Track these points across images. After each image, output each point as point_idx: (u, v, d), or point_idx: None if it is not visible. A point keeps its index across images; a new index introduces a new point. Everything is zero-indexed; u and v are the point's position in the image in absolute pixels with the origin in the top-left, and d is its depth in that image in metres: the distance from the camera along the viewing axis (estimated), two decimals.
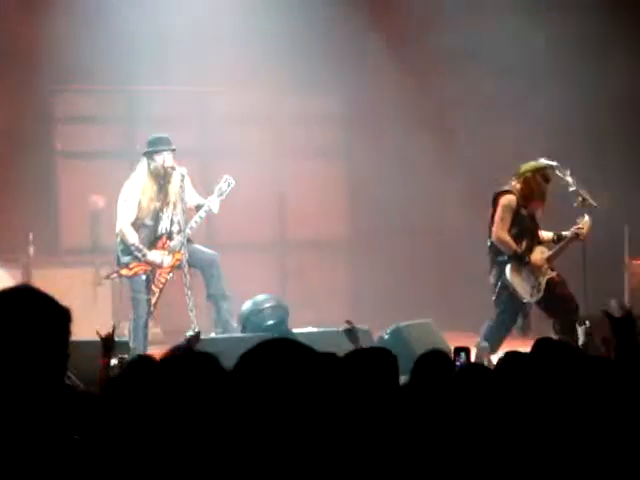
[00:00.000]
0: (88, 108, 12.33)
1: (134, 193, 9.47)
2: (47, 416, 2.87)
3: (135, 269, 9.49)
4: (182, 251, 9.44)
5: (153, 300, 9.50)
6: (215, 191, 9.53)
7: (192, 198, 9.61)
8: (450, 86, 12.27)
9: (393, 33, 12.68)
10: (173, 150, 9.48)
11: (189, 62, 12.03)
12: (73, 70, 11.95)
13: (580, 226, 9.18)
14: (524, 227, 9.19)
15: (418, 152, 12.40)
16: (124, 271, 9.51)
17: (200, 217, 9.55)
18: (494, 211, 9.17)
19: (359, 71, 12.68)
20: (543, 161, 9.22)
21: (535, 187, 9.17)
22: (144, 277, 9.47)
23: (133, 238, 9.42)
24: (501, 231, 9.12)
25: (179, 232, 9.48)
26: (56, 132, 12.35)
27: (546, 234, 9.39)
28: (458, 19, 12.02)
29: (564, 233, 9.27)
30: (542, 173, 9.20)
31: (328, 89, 12.96)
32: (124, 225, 9.44)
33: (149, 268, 9.46)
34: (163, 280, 9.51)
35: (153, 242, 9.50)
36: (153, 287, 9.50)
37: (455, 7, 12.10)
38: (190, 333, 8.38)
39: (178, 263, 9.48)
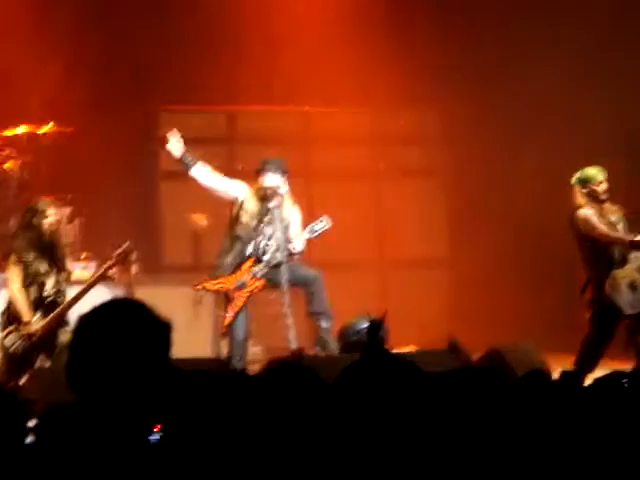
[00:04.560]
0: (192, 128, 12.45)
1: (236, 210, 9.57)
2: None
3: (217, 286, 9.55)
4: (263, 278, 9.48)
5: (227, 321, 9.52)
6: (307, 228, 9.59)
7: (296, 226, 9.66)
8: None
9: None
10: (279, 172, 9.53)
11: (292, 81, 12.11)
12: (179, 90, 12.11)
13: None
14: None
15: (522, 167, 12.31)
16: (208, 285, 9.59)
17: (286, 251, 9.57)
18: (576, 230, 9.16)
19: (457, 86, 12.64)
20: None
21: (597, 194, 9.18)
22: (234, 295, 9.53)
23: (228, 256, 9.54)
24: (602, 231, 9.09)
25: (276, 251, 9.52)
26: (159, 152, 12.48)
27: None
28: None
29: None
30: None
31: (426, 106, 12.93)
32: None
33: (231, 287, 9.50)
34: (240, 303, 9.52)
35: (241, 263, 9.55)
36: (229, 308, 9.52)
37: None
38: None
39: (257, 289, 9.52)
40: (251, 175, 9.59)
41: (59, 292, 8.98)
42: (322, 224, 9.66)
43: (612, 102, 12.03)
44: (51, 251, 8.98)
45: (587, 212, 9.15)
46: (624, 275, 9.11)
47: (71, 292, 8.96)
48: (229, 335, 9.52)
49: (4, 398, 3.45)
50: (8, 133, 11.74)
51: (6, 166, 11.48)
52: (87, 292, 8.83)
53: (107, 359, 2.93)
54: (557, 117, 12.19)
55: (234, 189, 9.57)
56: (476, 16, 12.68)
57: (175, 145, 9.38)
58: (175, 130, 9.34)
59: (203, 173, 9.49)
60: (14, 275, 8.95)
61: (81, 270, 9.41)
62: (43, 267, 8.94)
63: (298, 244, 9.59)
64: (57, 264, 9.01)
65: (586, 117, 12.04)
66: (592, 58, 12.19)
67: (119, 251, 9.13)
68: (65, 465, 2.82)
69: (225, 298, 9.55)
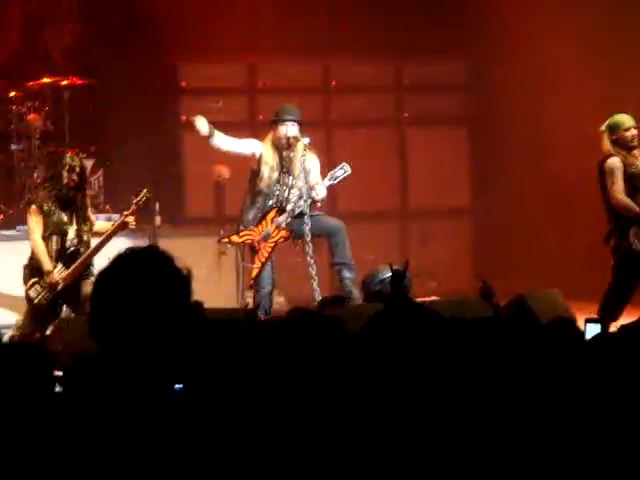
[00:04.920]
0: (213, 78, 12.46)
1: (257, 164, 9.60)
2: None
3: (244, 237, 9.58)
4: (287, 228, 9.51)
5: (254, 272, 9.55)
6: (327, 175, 9.60)
7: (315, 173, 9.67)
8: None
9: None
10: (297, 121, 9.54)
11: (311, 31, 12.07)
12: (199, 40, 12.09)
13: None
14: (634, 185, 9.14)
15: (547, 117, 12.25)
16: (234, 237, 9.63)
17: (309, 199, 9.59)
18: (602, 179, 9.15)
19: (484, 36, 12.56)
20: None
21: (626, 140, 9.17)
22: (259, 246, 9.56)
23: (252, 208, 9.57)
24: (618, 194, 9.07)
25: (298, 200, 9.54)
26: (181, 103, 12.49)
27: None
28: None
29: None
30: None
31: (451, 55, 12.87)
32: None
33: (256, 238, 9.52)
34: (266, 254, 9.55)
35: (264, 214, 9.57)
36: (256, 259, 9.55)
37: None
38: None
39: (281, 240, 9.54)
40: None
41: (81, 242, 9.00)
42: (342, 171, 9.66)
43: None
44: (74, 202, 9.00)
45: (615, 163, 9.13)
46: None
47: (94, 243, 9.00)
48: (255, 286, 9.56)
49: (30, 349, 3.48)
50: (31, 84, 11.76)
51: (29, 118, 11.51)
52: (107, 242, 8.86)
53: (127, 309, 2.93)
54: (585, 64, 12.06)
55: (251, 147, 9.61)
56: None
57: (203, 124, 9.47)
58: (200, 116, 9.46)
59: (221, 141, 9.54)
60: (35, 224, 8.98)
61: (104, 221, 9.42)
62: (65, 217, 8.97)
63: (321, 191, 9.60)
64: (79, 215, 9.03)
65: (615, 66, 11.93)
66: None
67: (137, 199, 9.16)
68: (91, 414, 2.84)
69: (251, 250, 9.59)
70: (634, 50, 11.87)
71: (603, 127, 9.24)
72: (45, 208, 8.92)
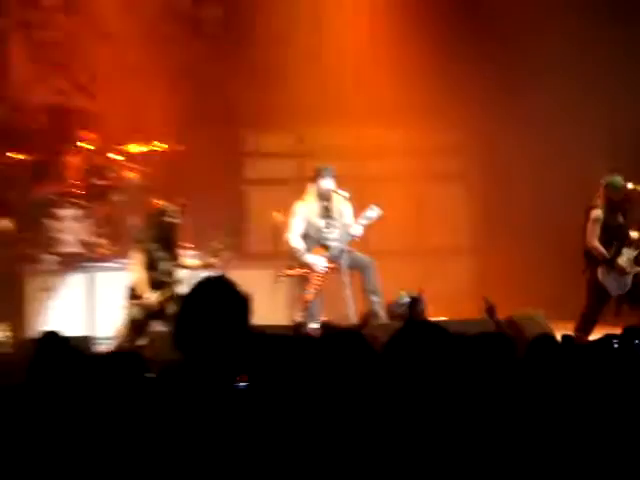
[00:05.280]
0: (269, 145, 12.48)
1: (302, 211, 9.55)
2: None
3: (298, 271, 9.53)
4: (335, 260, 9.45)
5: (310, 297, 9.50)
6: (361, 217, 9.53)
7: (349, 218, 9.62)
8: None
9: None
10: (333, 177, 9.53)
11: (344, 105, 12.05)
12: (259, 115, 12.12)
13: None
14: (610, 234, 8.99)
15: (541, 172, 12.10)
16: (289, 272, 9.58)
17: (348, 236, 9.54)
18: (585, 223, 9.03)
19: (483, 102, 12.44)
20: (628, 183, 9.04)
21: (619, 201, 9.00)
22: (306, 278, 9.52)
23: (298, 246, 9.50)
24: (592, 240, 8.96)
25: (337, 242, 9.50)
26: (246, 163, 12.51)
27: (634, 234, 9.10)
28: None
29: None
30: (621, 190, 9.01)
31: (456, 120, 12.76)
32: (292, 236, 9.53)
33: (309, 271, 9.49)
34: (319, 282, 9.51)
35: (314, 249, 9.54)
36: (309, 287, 9.51)
37: None
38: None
39: (332, 269, 9.49)
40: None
41: (171, 274, 9.03)
42: (373, 211, 9.57)
43: (628, 107, 11.68)
44: (168, 242, 9.04)
45: (598, 215, 9.02)
46: (614, 265, 9.02)
47: (180, 274, 9.02)
48: (308, 307, 9.49)
49: (132, 355, 3.50)
50: (131, 150, 11.81)
51: (130, 175, 11.55)
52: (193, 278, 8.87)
53: (203, 326, 2.94)
54: (573, 124, 11.84)
55: (303, 215, 9.54)
56: (503, 41, 12.27)
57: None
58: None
59: (298, 239, 9.54)
60: (137, 259, 9.02)
61: (189, 258, 9.42)
62: (161, 253, 9.00)
63: (357, 230, 9.54)
64: (172, 251, 9.06)
65: (602, 122, 11.74)
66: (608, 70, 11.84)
67: (220, 248, 9.18)
68: (178, 406, 2.85)
69: (303, 279, 9.53)
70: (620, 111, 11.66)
71: (603, 182, 9.08)
72: (147, 247, 8.97)
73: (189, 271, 8.98)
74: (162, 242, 8.99)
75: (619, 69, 11.77)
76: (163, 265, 9.01)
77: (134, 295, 9.00)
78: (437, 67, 11.94)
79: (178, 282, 8.93)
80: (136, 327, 8.96)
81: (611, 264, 8.98)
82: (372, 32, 12.41)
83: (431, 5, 12.36)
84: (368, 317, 8.85)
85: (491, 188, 12.70)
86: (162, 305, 8.90)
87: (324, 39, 12.34)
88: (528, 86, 12.03)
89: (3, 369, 6.42)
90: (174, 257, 9.06)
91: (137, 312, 8.96)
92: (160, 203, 9.43)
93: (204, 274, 8.92)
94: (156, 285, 8.97)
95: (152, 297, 8.91)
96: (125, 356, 3.54)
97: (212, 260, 9.08)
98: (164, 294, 8.89)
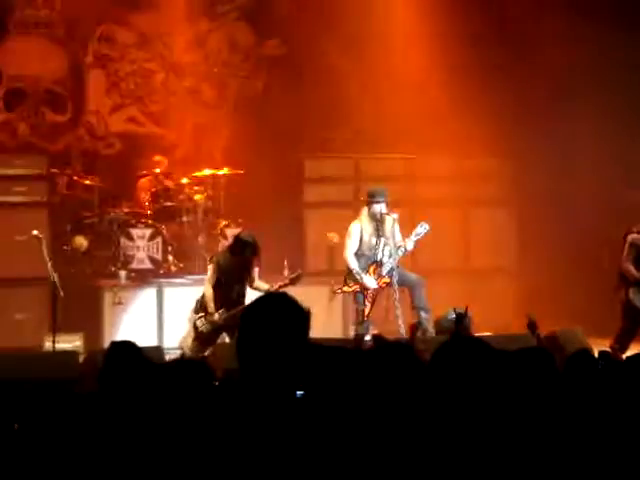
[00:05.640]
0: (328, 170, 12.51)
1: (357, 231, 9.56)
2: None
3: (354, 287, 9.54)
4: (387, 276, 9.44)
5: (366, 311, 9.51)
6: (412, 233, 9.53)
7: (399, 237, 9.62)
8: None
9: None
10: (385, 201, 9.55)
11: (397, 136, 12.06)
12: (318, 143, 12.18)
13: None
14: None
15: (578, 196, 11.98)
16: (346, 288, 9.59)
17: (400, 253, 9.53)
18: (623, 245, 8.99)
19: (521, 133, 12.37)
20: None
21: None
22: (360, 293, 9.52)
23: (354, 264, 9.50)
24: (625, 263, 8.91)
25: (389, 259, 9.50)
26: (305, 189, 12.56)
27: None
28: None
29: None
30: None
31: (498, 150, 12.71)
32: (348, 255, 9.54)
33: (364, 287, 9.50)
34: (372, 297, 9.51)
35: (367, 268, 9.54)
36: (366, 301, 9.51)
37: None
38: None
39: (384, 285, 9.48)
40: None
41: (240, 295, 9.05)
42: (423, 228, 9.56)
43: None
44: (244, 267, 9.05)
45: (634, 239, 8.96)
46: None
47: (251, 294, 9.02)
48: (366, 320, 9.47)
49: (199, 364, 3.53)
50: (198, 174, 11.90)
51: (196, 198, 11.64)
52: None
53: (265, 338, 2.97)
54: (604, 149, 11.73)
55: (357, 234, 9.51)
56: (536, 70, 12.22)
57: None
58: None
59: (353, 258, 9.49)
60: (209, 276, 9.08)
61: (262, 282, 9.38)
62: (236, 277, 9.03)
63: (410, 244, 9.53)
64: (245, 275, 9.08)
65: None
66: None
67: (292, 276, 9.22)
68: (242, 413, 2.87)
69: (361, 294, 9.52)
70: None
71: None
72: (221, 262, 9.02)
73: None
74: (237, 267, 9.02)
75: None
76: (234, 284, 9.04)
77: (202, 307, 9.07)
78: (477, 97, 11.93)
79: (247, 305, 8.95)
80: (201, 338, 9.02)
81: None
82: (422, 67, 12.42)
83: (466, 36, 12.35)
84: (415, 330, 8.83)
85: (530, 213, 12.60)
86: (227, 322, 8.93)
87: (380, 73, 12.39)
88: (559, 112, 11.97)
89: (75, 377, 6.50)
90: (247, 279, 9.08)
91: (203, 324, 9.03)
92: (245, 234, 9.39)
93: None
94: (226, 303, 9.01)
95: (216, 315, 8.96)
96: (192, 364, 3.57)
97: (283, 285, 9.06)
98: (233, 314, 8.87)
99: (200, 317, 9.02)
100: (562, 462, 3.14)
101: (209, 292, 9.01)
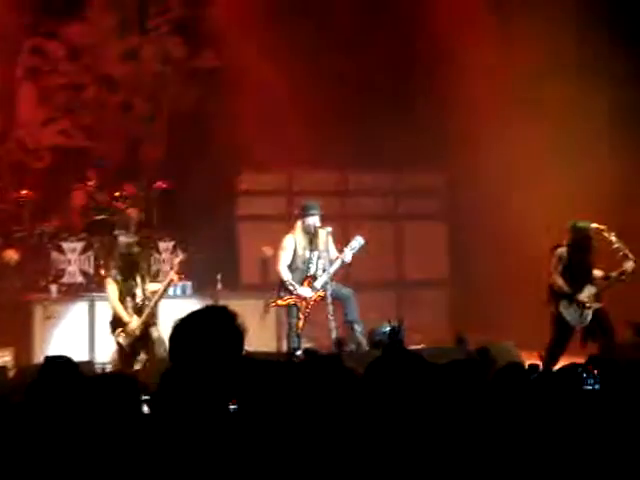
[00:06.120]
0: (261, 184, 12.51)
1: (290, 244, 9.54)
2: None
3: (287, 300, 9.50)
4: (322, 290, 9.45)
5: (300, 324, 9.49)
6: (348, 246, 9.54)
7: (333, 251, 9.62)
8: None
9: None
10: (319, 214, 9.55)
11: (330, 151, 12.09)
12: (251, 157, 12.15)
13: (623, 269, 8.98)
14: (574, 271, 9.04)
15: (507, 212, 12.11)
16: (280, 302, 9.56)
17: (337, 265, 9.54)
18: (550, 260, 9.10)
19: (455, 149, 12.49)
20: (592, 224, 9.07)
21: (582, 241, 9.03)
22: (294, 307, 9.50)
23: (287, 277, 9.47)
24: (554, 275, 9.03)
25: (323, 273, 9.49)
26: (238, 202, 12.54)
27: (598, 272, 9.15)
28: None
29: (612, 274, 9.05)
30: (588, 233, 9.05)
31: (432, 166, 12.79)
32: (281, 267, 9.51)
33: (298, 300, 9.48)
34: (307, 310, 9.49)
35: (302, 281, 9.51)
36: (300, 314, 9.49)
37: None
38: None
39: (319, 298, 9.48)
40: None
41: (146, 299, 9.00)
42: (357, 242, 9.56)
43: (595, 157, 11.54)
44: (134, 271, 9.00)
45: (562, 253, 9.08)
46: (573, 300, 9.08)
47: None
48: (299, 333, 9.45)
49: (128, 381, 3.49)
50: (130, 188, 11.80)
51: (128, 211, 11.53)
52: (162, 297, 8.91)
53: (200, 350, 2.95)
54: (538, 173, 11.88)
55: (291, 248, 9.49)
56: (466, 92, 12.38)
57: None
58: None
59: (286, 270, 9.48)
60: (112, 293, 8.98)
61: (154, 283, 9.37)
62: (132, 283, 8.98)
63: (347, 257, 9.51)
64: (141, 279, 9.04)
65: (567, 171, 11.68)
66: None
67: (176, 262, 9.24)
68: (174, 427, 2.85)
69: (295, 307, 9.48)
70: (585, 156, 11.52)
71: (569, 226, 9.11)
72: (119, 275, 8.95)
73: (161, 294, 8.94)
74: (129, 268, 8.97)
75: (576, 124, 11.71)
76: (138, 292, 8.98)
77: (117, 324, 8.96)
78: (409, 117, 12.06)
79: (154, 305, 8.90)
80: (126, 353, 8.91)
81: (571, 298, 9.05)
82: (360, 87, 12.49)
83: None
84: (343, 343, 8.85)
85: (462, 227, 12.73)
86: (145, 329, 8.87)
87: (310, 87, 12.40)
88: (495, 135, 12.11)
89: (5, 393, 6.38)
90: (143, 283, 9.04)
91: (123, 339, 8.92)
92: (121, 236, 9.40)
93: (196, 304, 8.96)
94: (135, 311, 8.94)
95: (133, 322, 8.88)
96: (119, 378, 3.53)
97: (173, 276, 9.05)
98: (144, 319, 8.84)
99: (119, 333, 8.90)
100: (489, 468, 3.17)
101: (118, 305, 8.91)
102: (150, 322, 8.85)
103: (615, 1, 11.94)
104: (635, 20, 11.89)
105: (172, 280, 9.07)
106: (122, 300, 8.88)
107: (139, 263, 9.04)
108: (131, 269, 8.94)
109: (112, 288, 8.91)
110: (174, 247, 11.43)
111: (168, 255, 11.36)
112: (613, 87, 11.45)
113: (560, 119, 11.67)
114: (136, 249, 9.04)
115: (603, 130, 11.64)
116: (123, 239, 9.17)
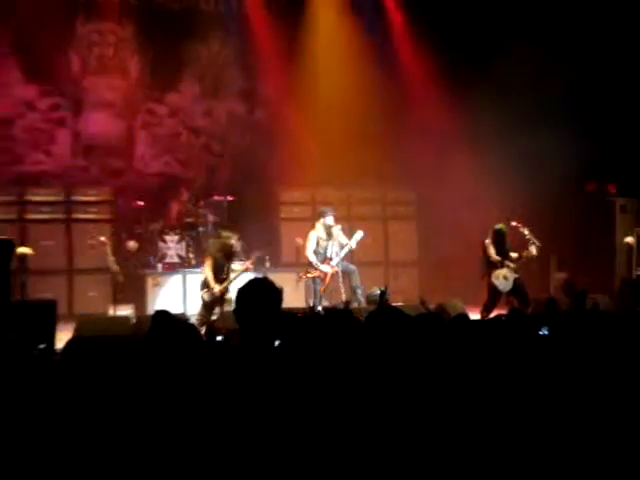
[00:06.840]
0: (294, 197, 12.43)
1: (314, 237, 9.53)
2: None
3: (313, 274, 9.48)
4: (336, 266, 9.41)
5: (321, 289, 9.45)
6: (353, 238, 9.51)
7: (343, 240, 9.59)
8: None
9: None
10: (334, 216, 9.52)
11: (336, 174, 11.96)
12: (287, 177, 12.09)
13: (530, 251, 8.89)
14: (498, 253, 8.98)
15: (461, 217, 11.95)
16: (308, 275, 9.53)
17: (346, 250, 9.50)
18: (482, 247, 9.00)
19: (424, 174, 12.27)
20: (512, 223, 9.04)
21: (500, 236, 8.96)
22: (317, 278, 9.47)
23: (313, 259, 9.46)
24: (488, 245, 8.97)
25: (336, 256, 9.46)
26: (280, 209, 12.44)
27: (513, 254, 9.09)
28: None
29: (522, 254, 8.96)
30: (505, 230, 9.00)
31: (406, 183, 12.61)
32: (309, 252, 9.51)
33: (320, 274, 9.45)
34: (327, 281, 9.45)
35: (322, 261, 9.49)
36: (321, 283, 9.46)
37: None
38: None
39: (334, 272, 9.44)
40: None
41: (228, 274, 8.94)
42: (359, 235, 9.54)
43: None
44: (228, 255, 8.92)
45: (498, 228, 9.01)
46: (500, 272, 9.01)
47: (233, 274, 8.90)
48: (320, 296, 9.41)
49: (209, 326, 3.44)
50: (208, 200, 11.72)
51: (209, 216, 11.43)
52: (238, 276, 8.81)
53: (254, 307, 2.91)
54: (485, 186, 11.48)
55: (315, 239, 9.41)
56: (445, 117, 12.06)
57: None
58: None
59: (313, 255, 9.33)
60: (208, 265, 8.93)
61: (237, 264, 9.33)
62: (223, 262, 8.91)
63: (353, 245, 9.47)
64: (229, 260, 8.97)
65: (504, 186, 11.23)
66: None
67: (254, 258, 9.14)
68: (240, 354, 2.81)
69: (318, 279, 9.46)
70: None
71: (497, 226, 9.04)
72: (217, 256, 8.90)
73: (237, 275, 8.88)
74: (223, 254, 8.91)
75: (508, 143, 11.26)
76: (224, 269, 8.94)
77: (206, 285, 8.95)
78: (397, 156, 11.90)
79: (231, 280, 8.87)
80: (208, 307, 8.90)
81: (501, 266, 9.00)
82: (357, 119, 12.27)
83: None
84: (350, 302, 8.84)
85: (429, 226, 12.63)
86: (223, 293, 8.83)
87: (327, 128, 12.22)
88: (444, 168, 11.95)
89: (129, 334, 6.39)
90: (230, 263, 8.98)
91: (207, 297, 8.91)
92: (226, 234, 9.35)
93: (251, 275, 8.96)
94: (219, 281, 8.89)
95: (216, 288, 8.86)
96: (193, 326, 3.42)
97: (249, 265, 9.02)
98: (223, 287, 8.79)
99: (205, 291, 8.89)
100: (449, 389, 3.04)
101: (210, 274, 8.89)
102: (226, 289, 8.80)
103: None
104: None
105: (248, 267, 9.01)
106: (214, 271, 8.80)
107: (231, 248, 8.95)
108: (225, 252, 8.86)
109: (209, 262, 8.85)
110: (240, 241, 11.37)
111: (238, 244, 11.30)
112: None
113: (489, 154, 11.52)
114: (232, 240, 8.95)
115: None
116: (225, 233, 9.08)
